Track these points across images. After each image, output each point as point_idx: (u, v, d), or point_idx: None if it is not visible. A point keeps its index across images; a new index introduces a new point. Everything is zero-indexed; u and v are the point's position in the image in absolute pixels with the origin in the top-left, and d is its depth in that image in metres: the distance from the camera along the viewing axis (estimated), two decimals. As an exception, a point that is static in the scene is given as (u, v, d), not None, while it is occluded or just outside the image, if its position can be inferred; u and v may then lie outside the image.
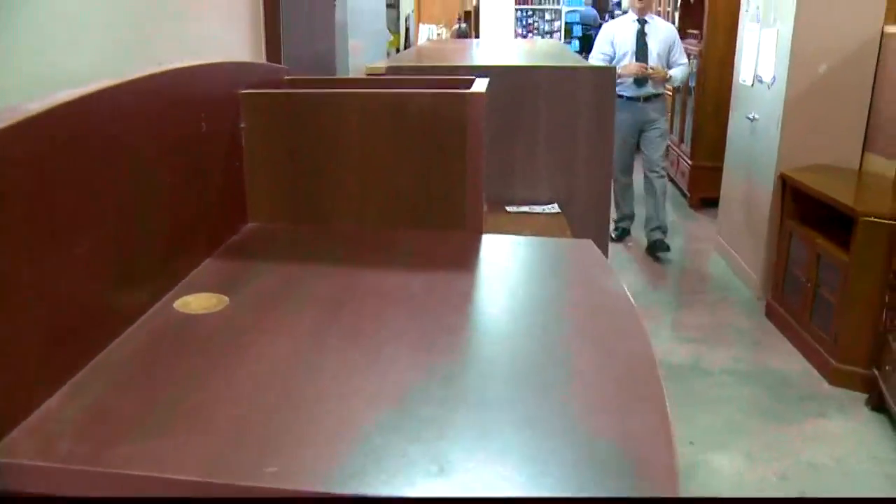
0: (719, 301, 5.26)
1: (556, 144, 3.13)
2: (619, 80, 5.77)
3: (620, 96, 5.89)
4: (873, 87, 4.88)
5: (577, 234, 2.92)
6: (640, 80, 5.96)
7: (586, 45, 17.95)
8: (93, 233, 1.07)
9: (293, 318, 1.22)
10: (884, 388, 3.63)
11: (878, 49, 4.82)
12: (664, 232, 6.08)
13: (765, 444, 3.53)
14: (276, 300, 1.29)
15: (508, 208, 3.07)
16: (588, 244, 1.53)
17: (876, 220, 3.85)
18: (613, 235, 6.37)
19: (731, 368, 4.26)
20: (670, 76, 6.06)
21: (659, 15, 9.74)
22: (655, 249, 6.07)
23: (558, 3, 18.63)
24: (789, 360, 4.34)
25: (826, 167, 4.90)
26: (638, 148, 6.28)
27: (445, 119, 1.55)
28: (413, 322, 1.21)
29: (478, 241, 1.58)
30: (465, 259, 1.52)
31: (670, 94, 8.58)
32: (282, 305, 1.27)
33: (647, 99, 6.06)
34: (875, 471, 3.33)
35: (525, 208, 3.07)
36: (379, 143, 1.60)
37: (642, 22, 6.07)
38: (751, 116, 5.46)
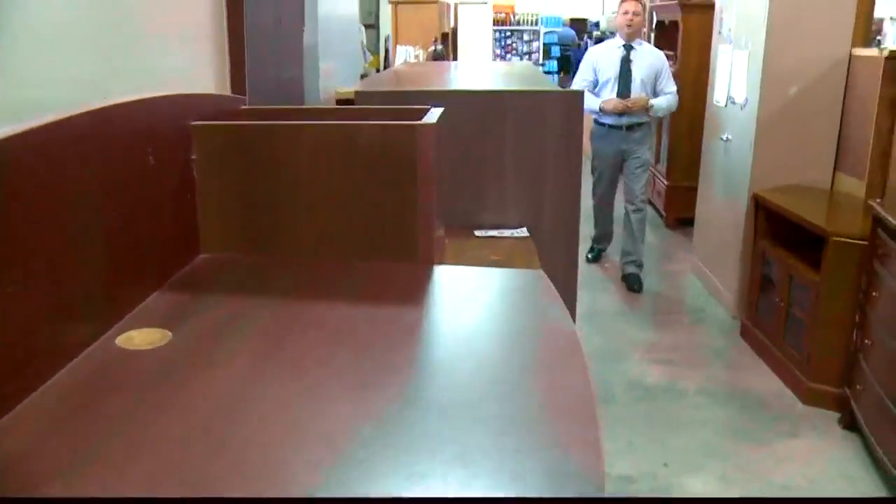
0: (695, 321, 5.28)
1: (524, 168, 3.13)
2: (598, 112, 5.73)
3: (602, 124, 5.83)
4: (843, 109, 4.92)
5: (545, 258, 2.92)
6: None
7: (565, 66, 18.09)
8: (25, 269, 1.06)
9: (233, 354, 1.21)
10: (855, 407, 3.64)
11: (846, 71, 4.87)
12: (639, 266, 5.91)
13: (738, 466, 3.52)
14: (220, 334, 1.29)
15: (477, 232, 3.06)
16: (539, 275, 1.53)
17: (846, 240, 3.88)
18: (589, 257, 6.34)
19: (705, 389, 4.26)
20: (651, 105, 5.73)
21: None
22: (629, 282, 5.88)
23: (536, 25, 18.75)
24: (764, 380, 4.35)
25: (798, 187, 4.93)
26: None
27: (396, 151, 1.56)
28: (353, 358, 1.20)
29: (429, 273, 1.57)
30: (413, 292, 1.51)
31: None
32: (224, 340, 1.26)
33: (630, 128, 5.81)
34: (848, 490, 3.34)
35: (494, 232, 3.06)
36: (330, 175, 1.60)
37: (628, 48, 5.78)
38: (724, 137, 5.49)
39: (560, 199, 3.18)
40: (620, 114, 5.69)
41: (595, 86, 5.86)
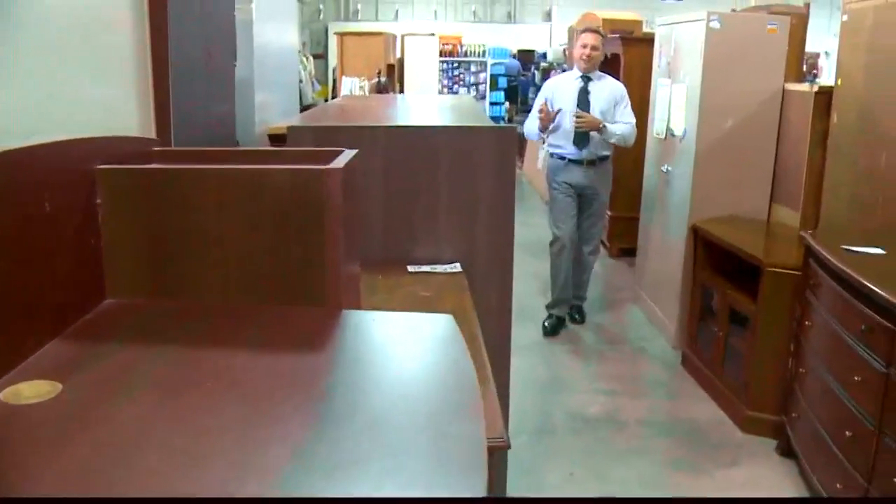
0: (636, 351, 5.31)
1: (458, 203, 3.13)
2: (555, 144, 5.46)
3: (561, 157, 5.48)
4: (778, 142, 5.02)
5: (478, 293, 2.91)
6: (580, 140, 5.35)
7: (512, 96, 18.29)
8: None
9: (124, 408, 1.18)
10: (791, 434, 3.68)
11: (780, 105, 4.97)
12: (581, 300, 5.83)
13: (679, 496, 3.54)
14: (113, 386, 1.25)
15: (410, 268, 3.05)
16: (447, 319, 1.52)
17: (781, 270, 3.93)
18: (546, 327, 5.62)
19: (646, 420, 4.28)
20: (603, 126, 5.31)
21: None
22: (571, 313, 5.78)
23: (484, 56, 18.93)
24: (704, 410, 4.38)
25: (736, 218, 5.01)
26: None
27: (303, 195, 1.54)
28: (248, 411, 1.18)
29: (336, 318, 1.55)
30: (317, 339, 1.49)
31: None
32: (117, 392, 1.23)
33: (592, 163, 5.44)
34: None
35: (427, 268, 3.05)
36: (238, 219, 1.58)
37: (586, 79, 5.48)
38: (664, 168, 5.56)
39: (494, 234, 3.19)
40: (581, 139, 5.34)
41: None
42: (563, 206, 5.49)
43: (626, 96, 5.53)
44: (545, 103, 5.43)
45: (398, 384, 1.31)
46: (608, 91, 5.50)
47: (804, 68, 7.15)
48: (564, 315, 5.71)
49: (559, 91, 5.53)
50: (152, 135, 1.97)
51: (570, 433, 4.12)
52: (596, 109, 5.38)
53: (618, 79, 7.37)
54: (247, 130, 3.72)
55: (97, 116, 1.73)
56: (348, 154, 1.68)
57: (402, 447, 1.08)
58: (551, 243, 5.54)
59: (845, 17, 4.34)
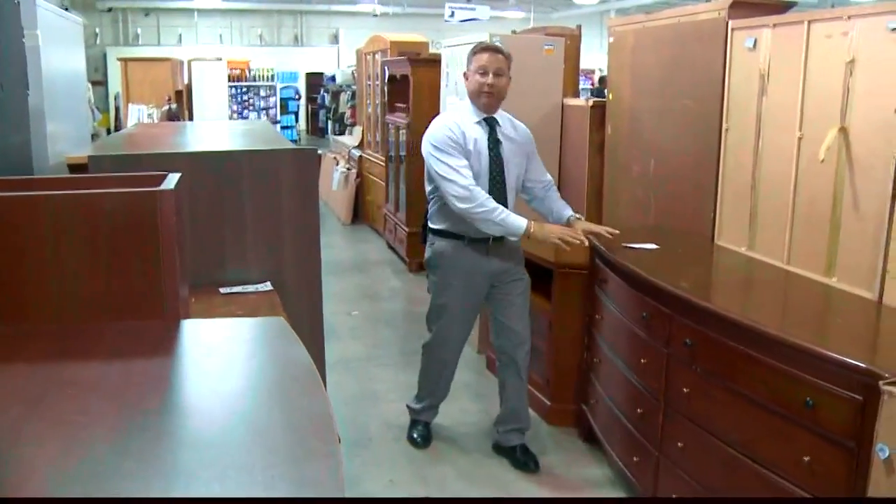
0: (444, 358, 5.52)
1: (263, 224, 3.23)
2: (444, 218, 3.77)
3: (455, 236, 3.77)
4: (560, 151, 5.41)
5: (290, 309, 3.01)
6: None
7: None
8: None
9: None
10: (591, 419, 4.00)
11: (560, 118, 5.37)
12: (524, 432, 4.08)
13: (499, 488, 3.75)
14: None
15: (222, 290, 3.10)
16: (279, 322, 1.64)
17: (570, 270, 4.24)
18: (415, 438, 4.22)
19: (459, 420, 4.48)
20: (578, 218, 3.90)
21: (371, 90, 9.98)
22: (517, 456, 3.98)
23: (272, 80, 18.91)
24: (511, 407, 4.63)
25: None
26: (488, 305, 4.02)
27: (138, 216, 1.62)
28: (111, 407, 1.27)
29: (177, 328, 1.64)
30: (163, 346, 1.59)
31: (383, 162, 8.86)
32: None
33: (498, 239, 3.79)
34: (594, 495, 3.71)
35: (238, 289, 3.12)
36: (74, 242, 1.64)
37: (491, 122, 3.76)
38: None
39: (301, 252, 3.31)
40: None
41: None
42: (461, 318, 3.97)
43: (535, 143, 4.01)
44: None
45: (246, 375, 1.46)
46: (520, 141, 3.87)
47: (597, 84, 7.73)
48: (431, 419, 4.31)
49: (471, 140, 3.69)
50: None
51: (387, 441, 4.25)
52: (511, 172, 3.78)
53: (407, 100, 7.59)
54: (41, 162, 3.61)
55: None
56: (174, 177, 1.76)
57: (263, 421, 1.25)
58: (428, 345, 4.14)
59: (611, 39, 4.77)
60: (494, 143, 3.73)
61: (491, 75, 3.65)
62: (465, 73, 3.79)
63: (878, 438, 2.13)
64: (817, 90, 3.16)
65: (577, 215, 3.90)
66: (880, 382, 2.13)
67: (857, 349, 2.41)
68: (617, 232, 3.69)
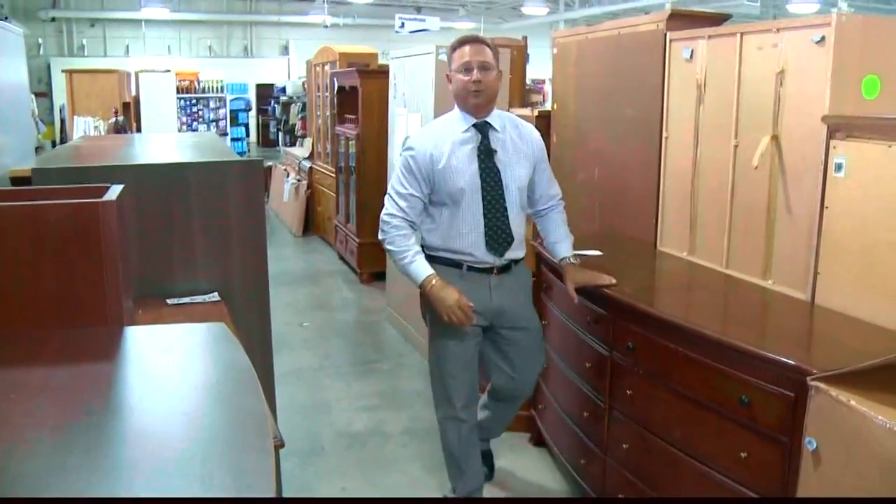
0: (394, 367, 5.57)
1: (211, 235, 3.25)
2: (439, 243, 3.26)
3: (456, 264, 3.25)
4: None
5: (238, 319, 3.04)
6: (498, 235, 3.19)
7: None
8: None
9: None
10: (541, 424, 4.07)
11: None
12: (489, 440, 3.91)
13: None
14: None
15: (170, 301, 3.12)
16: (220, 327, 1.69)
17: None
18: None
19: (410, 428, 4.52)
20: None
21: (321, 101, 10.00)
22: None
23: (222, 92, 18.82)
24: (462, 414, 4.68)
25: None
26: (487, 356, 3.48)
27: (82, 226, 1.67)
28: (56, 408, 1.32)
29: (120, 334, 1.68)
30: (107, 351, 1.64)
31: (333, 174, 8.88)
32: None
33: (505, 269, 3.29)
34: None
35: (186, 300, 3.14)
36: (18, 253, 1.69)
37: (483, 128, 3.22)
38: (407, 192, 5.85)
39: (249, 262, 3.35)
40: (498, 243, 3.21)
41: (423, 208, 3.27)
42: (462, 361, 3.31)
43: (545, 149, 3.50)
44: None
45: (188, 377, 1.52)
46: (524, 144, 3.32)
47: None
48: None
49: (446, 156, 3.17)
50: None
51: (339, 450, 4.28)
52: (511, 186, 3.22)
53: (356, 111, 7.63)
54: (-13, 175, 3.60)
55: None
56: (116, 189, 1.80)
57: (202, 418, 1.32)
58: (444, 418, 3.43)
59: (555, 50, 4.86)
60: (487, 153, 3.18)
61: (476, 71, 3.13)
62: (447, 75, 3.29)
63: (807, 432, 2.22)
64: (751, 99, 3.27)
65: (573, 259, 3.37)
66: (808, 378, 2.22)
67: (790, 348, 2.50)
68: (614, 281, 3.21)
